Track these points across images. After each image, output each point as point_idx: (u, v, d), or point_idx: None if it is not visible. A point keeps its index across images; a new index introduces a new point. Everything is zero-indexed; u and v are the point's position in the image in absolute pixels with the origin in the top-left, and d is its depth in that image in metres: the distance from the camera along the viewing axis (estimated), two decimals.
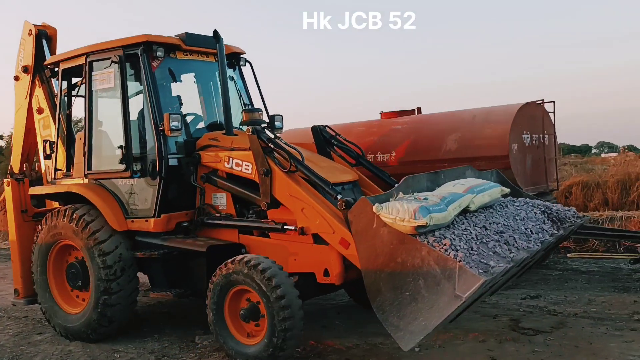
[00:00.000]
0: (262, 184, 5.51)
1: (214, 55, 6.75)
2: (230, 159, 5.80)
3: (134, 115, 6.23)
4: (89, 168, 6.33)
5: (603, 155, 38.34)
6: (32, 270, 6.62)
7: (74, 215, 6.07)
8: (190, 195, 6.17)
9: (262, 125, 5.69)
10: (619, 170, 13.58)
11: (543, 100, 9.06)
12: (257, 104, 7.07)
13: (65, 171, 6.86)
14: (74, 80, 6.98)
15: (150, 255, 5.85)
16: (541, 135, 9.00)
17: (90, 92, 6.35)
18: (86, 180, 6.39)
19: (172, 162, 5.98)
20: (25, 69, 7.35)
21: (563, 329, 5.84)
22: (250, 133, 5.55)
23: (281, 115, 6.88)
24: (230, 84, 6.91)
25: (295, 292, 4.90)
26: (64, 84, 6.86)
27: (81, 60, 6.48)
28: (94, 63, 6.35)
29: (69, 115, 6.99)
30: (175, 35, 6.39)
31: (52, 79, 7.23)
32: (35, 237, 6.55)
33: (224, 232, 5.95)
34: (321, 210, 5.19)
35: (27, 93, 7.38)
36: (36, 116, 7.42)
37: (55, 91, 7.07)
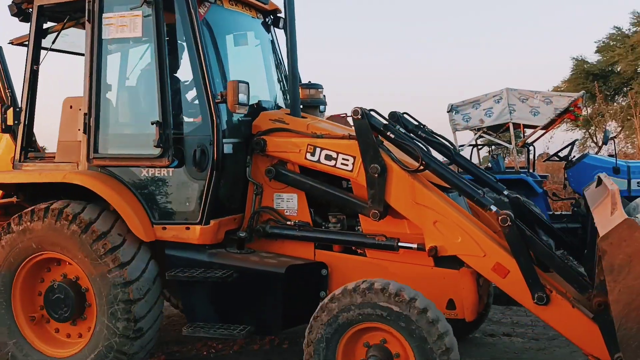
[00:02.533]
0: (371, 186, 4.10)
1: (256, 9, 5.13)
2: (317, 149, 4.29)
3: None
4: (96, 150, 4.41)
5: None
6: None
7: (79, 218, 4.18)
8: (238, 195, 4.56)
9: (366, 109, 4.20)
10: None
11: None
12: None
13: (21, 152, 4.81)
14: (50, 24, 4.94)
15: (198, 278, 4.16)
16: None
17: (99, 42, 4.42)
18: (80, 168, 4.47)
19: (227, 148, 4.32)
20: None
21: None
22: (357, 116, 4.11)
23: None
24: (268, 49, 5.35)
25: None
26: (36, 27, 4.79)
27: None
28: (108, 0, 4.43)
29: (33, 73, 4.89)
30: None
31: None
32: None
33: (294, 247, 4.43)
34: (466, 225, 3.93)
35: None
36: None
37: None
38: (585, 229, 5.14)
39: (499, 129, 9.53)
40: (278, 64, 5.40)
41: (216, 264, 4.26)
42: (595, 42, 21.07)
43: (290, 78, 4.64)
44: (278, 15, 5.39)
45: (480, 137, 9.53)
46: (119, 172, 4.39)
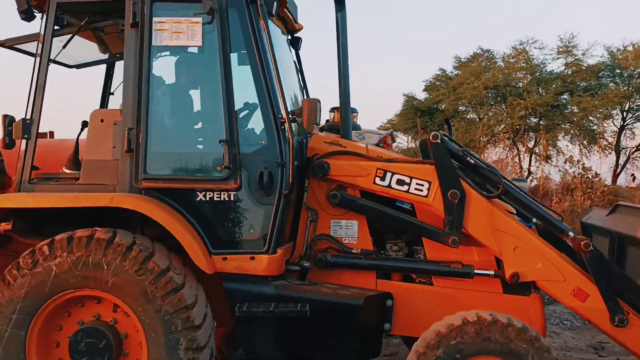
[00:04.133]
0: (449, 213, 4.02)
1: (285, 24, 4.89)
2: (388, 174, 4.12)
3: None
4: (145, 171, 3.84)
5: None
6: None
7: (134, 250, 3.58)
8: (291, 222, 4.24)
9: (444, 134, 4.12)
10: None
11: None
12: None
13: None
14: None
15: (278, 313, 3.76)
16: None
17: (149, 48, 3.90)
18: (119, 190, 3.88)
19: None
20: None
21: None
22: (436, 140, 4.04)
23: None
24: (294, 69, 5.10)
25: None
26: (51, 27, 4.11)
27: None
28: (159, 3, 3.93)
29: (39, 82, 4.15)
30: None
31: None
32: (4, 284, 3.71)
33: (355, 276, 4.19)
34: (545, 250, 3.98)
35: None
36: None
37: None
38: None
39: None
40: (302, 85, 5.16)
41: (285, 296, 3.89)
42: (424, 81, 22.78)
43: (342, 101, 4.46)
44: (298, 36, 5.17)
45: None
46: (168, 195, 3.86)
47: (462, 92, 20.27)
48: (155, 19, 3.89)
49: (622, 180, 19.55)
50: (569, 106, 20.34)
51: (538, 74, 20.77)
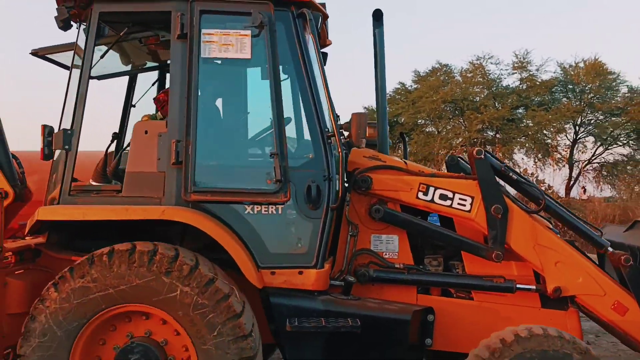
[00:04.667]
0: (492, 228, 4.07)
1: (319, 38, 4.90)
2: (431, 188, 4.16)
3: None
4: (195, 183, 3.78)
5: None
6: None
7: (196, 269, 3.51)
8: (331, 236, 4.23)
9: (487, 149, 4.20)
10: None
11: None
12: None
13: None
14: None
15: (330, 329, 3.73)
16: None
17: (198, 60, 3.86)
18: (165, 203, 3.81)
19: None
20: None
21: None
22: (480, 155, 4.10)
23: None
24: None
25: None
26: (93, 37, 4.03)
27: (161, 6, 3.95)
28: (207, 16, 3.91)
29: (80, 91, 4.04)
30: None
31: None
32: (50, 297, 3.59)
33: (396, 291, 4.20)
34: (586, 264, 4.07)
35: None
36: None
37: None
38: None
39: None
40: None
41: (333, 312, 3.86)
42: None
43: (379, 117, 4.50)
44: (325, 51, 5.19)
45: None
46: (216, 208, 3.82)
47: (421, 105, 20.79)
48: (203, 31, 3.87)
49: (574, 193, 20.24)
50: (524, 120, 21.07)
51: (494, 88, 21.43)
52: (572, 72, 20.64)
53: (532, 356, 3.51)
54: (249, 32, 3.86)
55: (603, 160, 21.23)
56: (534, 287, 4.12)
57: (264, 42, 3.84)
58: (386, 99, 4.49)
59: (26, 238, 4.29)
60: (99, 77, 5.19)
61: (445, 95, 20.53)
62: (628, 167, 21.10)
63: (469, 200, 4.13)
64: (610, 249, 4.12)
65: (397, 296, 4.18)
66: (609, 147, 20.94)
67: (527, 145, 20.77)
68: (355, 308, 3.92)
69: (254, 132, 4.13)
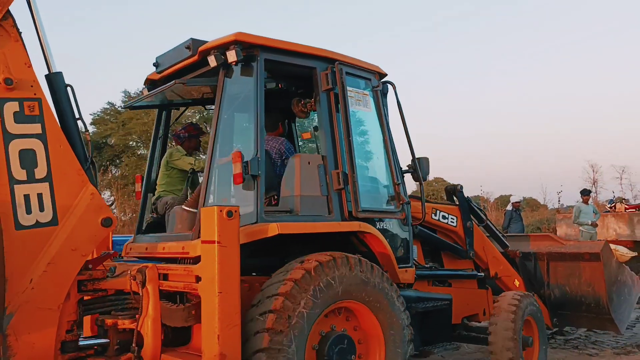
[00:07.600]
0: (467, 236, 6.34)
1: None
2: (438, 212, 6.15)
3: None
4: (360, 205, 4.81)
5: None
6: None
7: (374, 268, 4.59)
8: None
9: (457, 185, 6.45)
10: None
11: None
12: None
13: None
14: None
15: (430, 308, 5.32)
16: None
17: (347, 110, 4.94)
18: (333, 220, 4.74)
19: None
20: None
21: None
22: (461, 190, 6.36)
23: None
24: None
25: None
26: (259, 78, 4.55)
27: (310, 62, 4.91)
28: (348, 77, 5.04)
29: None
30: None
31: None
32: None
33: (422, 283, 5.96)
34: (502, 258, 6.74)
35: None
36: None
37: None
38: None
39: None
40: None
41: (422, 297, 5.43)
42: (91, 114, 22.50)
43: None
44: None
45: None
46: (369, 223, 4.89)
47: (131, 127, 20.32)
48: (348, 89, 5.01)
49: None
50: None
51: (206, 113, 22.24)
52: None
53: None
54: (367, 92, 5.23)
55: None
56: (482, 274, 6.53)
57: (375, 99, 5.25)
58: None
59: None
60: (131, 107, 5.39)
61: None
62: None
63: (456, 219, 6.31)
64: (511, 249, 6.88)
65: (422, 287, 5.93)
66: None
67: None
68: (434, 294, 5.59)
69: (383, 167, 5.30)
